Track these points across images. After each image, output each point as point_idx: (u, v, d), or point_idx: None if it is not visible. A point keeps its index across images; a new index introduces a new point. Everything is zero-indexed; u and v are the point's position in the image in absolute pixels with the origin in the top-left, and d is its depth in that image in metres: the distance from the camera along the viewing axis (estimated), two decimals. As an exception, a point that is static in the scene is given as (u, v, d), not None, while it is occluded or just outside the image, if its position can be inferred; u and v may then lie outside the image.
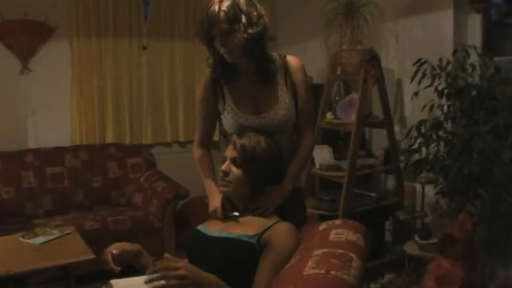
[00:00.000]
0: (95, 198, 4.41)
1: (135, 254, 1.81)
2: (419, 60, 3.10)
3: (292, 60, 2.07)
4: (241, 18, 1.88)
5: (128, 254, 1.80)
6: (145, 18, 4.86)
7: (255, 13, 1.91)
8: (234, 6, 1.88)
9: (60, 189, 4.28)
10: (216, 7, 1.88)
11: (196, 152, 2.26)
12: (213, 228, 1.88)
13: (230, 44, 1.91)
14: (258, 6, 1.95)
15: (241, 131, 2.00)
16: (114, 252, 1.76)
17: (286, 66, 2.05)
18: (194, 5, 5.03)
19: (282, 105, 2.02)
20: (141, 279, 1.69)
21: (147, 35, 4.88)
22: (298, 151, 2.09)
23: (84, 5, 4.54)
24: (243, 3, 1.90)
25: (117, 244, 1.80)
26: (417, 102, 3.27)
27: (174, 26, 4.98)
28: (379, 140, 4.01)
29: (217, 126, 2.28)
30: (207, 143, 2.25)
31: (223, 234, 1.81)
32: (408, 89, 3.61)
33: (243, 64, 2.01)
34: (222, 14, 1.87)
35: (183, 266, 1.59)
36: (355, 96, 3.56)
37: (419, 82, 3.10)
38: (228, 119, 2.08)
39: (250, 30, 1.89)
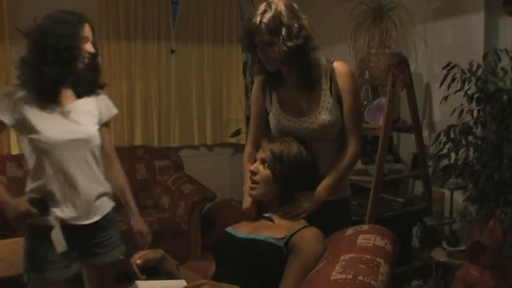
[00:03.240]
0: (123, 199, 4.46)
1: (159, 260, 1.81)
2: (448, 64, 3.06)
3: (338, 65, 2.06)
4: (281, 31, 1.90)
5: (152, 262, 1.80)
6: (173, 22, 4.91)
7: (296, 25, 1.92)
8: (276, 18, 1.90)
9: (89, 191, 4.35)
10: (258, 18, 1.91)
11: (246, 150, 2.28)
12: (241, 230, 1.91)
13: (270, 55, 1.95)
14: (302, 16, 1.97)
15: (283, 133, 2.06)
16: (138, 262, 1.76)
17: (332, 71, 2.05)
18: (222, 8, 5.08)
19: (323, 110, 2.03)
20: (166, 282, 1.72)
21: (176, 39, 4.93)
22: (339, 160, 2.08)
23: (114, 10, 4.61)
24: (285, 16, 1.91)
25: (141, 253, 1.79)
26: (446, 107, 3.23)
27: (202, 29, 5.03)
28: (407, 145, 3.97)
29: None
30: (258, 143, 2.25)
31: (251, 236, 1.83)
32: (437, 93, 3.57)
33: (285, 72, 2.06)
34: (263, 25, 1.90)
35: (206, 281, 1.60)
36: (383, 100, 3.53)
37: (449, 86, 3.06)
38: (271, 119, 2.14)
39: (289, 43, 1.91)
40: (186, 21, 4.96)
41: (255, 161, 1.99)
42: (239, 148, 5.33)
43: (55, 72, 2.10)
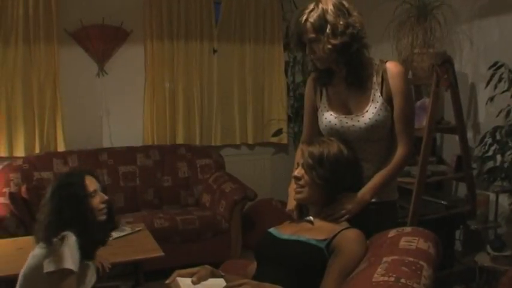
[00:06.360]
0: (165, 197, 4.54)
1: (208, 276, 1.80)
2: (495, 63, 3.00)
3: (391, 65, 2.04)
4: (326, 29, 1.93)
5: (203, 278, 1.77)
6: (216, 21, 4.96)
7: (341, 23, 1.93)
8: (321, 16, 1.93)
9: (131, 188, 4.44)
10: (304, 17, 1.95)
11: (299, 148, 2.28)
12: (284, 231, 1.91)
13: (317, 52, 1.99)
14: (353, 14, 1.98)
15: (329, 131, 2.08)
16: (180, 272, 1.77)
17: (384, 71, 2.03)
18: (264, 8, 5.09)
19: (371, 109, 2.02)
20: (206, 281, 1.74)
21: (218, 39, 4.97)
22: (386, 162, 2.05)
23: (157, 10, 4.69)
24: (331, 14, 1.93)
25: (192, 269, 1.79)
26: (492, 108, 3.16)
27: (244, 29, 5.06)
28: (450, 146, 3.89)
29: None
30: (311, 141, 2.24)
31: (293, 237, 1.84)
32: (483, 93, 3.49)
33: (335, 69, 2.07)
34: (308, 24, 1.95)
35: (247, 281, 1.62)
36: (427, 100, 3.48)
37: (495, 86, 2.99)
38: (319, 117, 2.16)
39: (333, 41, 1.93)
40: (228, 21, 4.99)
41: (297, 165, 1.99)
42: (280, 148, 5.33)
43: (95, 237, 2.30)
